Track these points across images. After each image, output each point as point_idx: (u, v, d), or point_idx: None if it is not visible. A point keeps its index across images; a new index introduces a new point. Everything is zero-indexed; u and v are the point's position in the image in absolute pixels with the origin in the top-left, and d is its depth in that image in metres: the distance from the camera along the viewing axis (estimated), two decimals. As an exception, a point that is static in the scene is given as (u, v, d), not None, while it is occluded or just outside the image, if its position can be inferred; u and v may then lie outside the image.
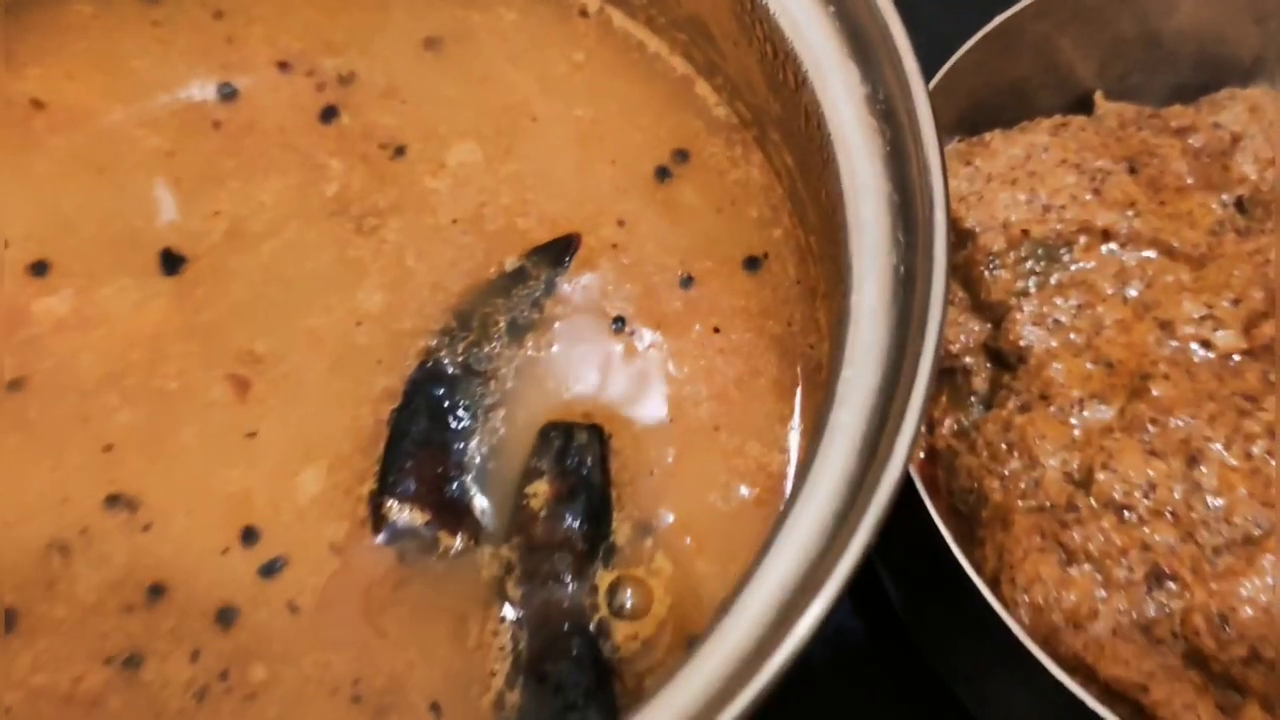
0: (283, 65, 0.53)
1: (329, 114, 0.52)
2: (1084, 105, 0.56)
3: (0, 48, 0.52)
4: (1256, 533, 0.40)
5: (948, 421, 0.48)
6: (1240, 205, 0.50)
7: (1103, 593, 0.41)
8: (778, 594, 0.34)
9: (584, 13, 0.55)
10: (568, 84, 0.54)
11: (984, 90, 0.53)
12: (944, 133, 0.50)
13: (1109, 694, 0.39)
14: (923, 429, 0.48)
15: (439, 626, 0.43)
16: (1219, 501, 0.41)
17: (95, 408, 0.45)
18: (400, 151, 0.51)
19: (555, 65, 0.54)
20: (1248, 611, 0.39)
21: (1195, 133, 0.51)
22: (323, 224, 0.49)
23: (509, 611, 0.43)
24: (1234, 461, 0.42)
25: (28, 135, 0.50)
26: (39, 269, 0.47)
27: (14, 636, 0.41)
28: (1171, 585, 0.41)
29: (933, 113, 0.42)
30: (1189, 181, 0.49)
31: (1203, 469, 0.42)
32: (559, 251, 0.50)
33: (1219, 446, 0.42)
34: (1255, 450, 0.41)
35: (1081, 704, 0.37)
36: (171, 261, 0.48)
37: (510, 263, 0.49)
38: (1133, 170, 0.49)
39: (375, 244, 0.49)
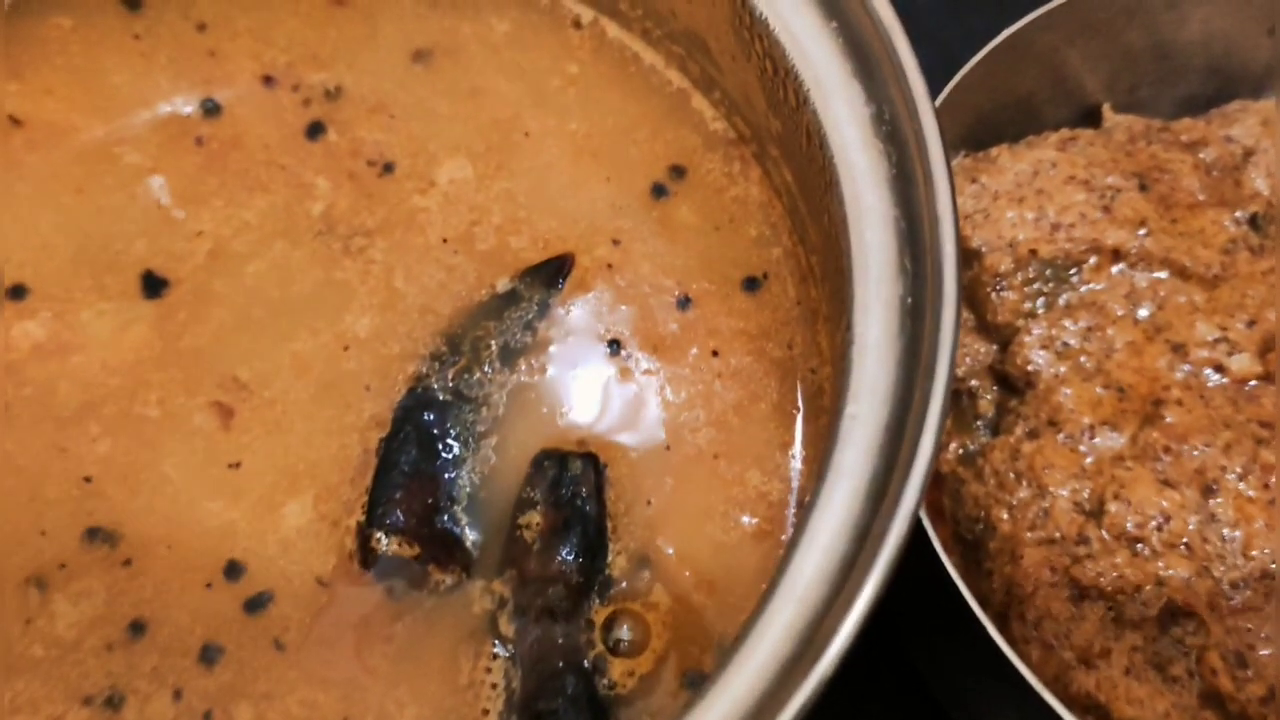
0: (268, 79, 0.52)
1: (315, 130, 0.51)
2: (1092, 118, 0.56)
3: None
4: (1274, 566, 0.39)
5: (953, 446, 0.47)
6: (1254, 222, 0.49)
7: (1115, 630, 0.40)
8: (783, 644, 0.33)
9: (578, 24, 0.54)
10: (561, 98, 0.53)
11: (990, 105, 0.52)
12: (949, 149, 0.50)
13: None
14: None
15: (430, 664, 0.42)
16: (1236, 534, 0.41)
17: (74, 437, 0.44)
18: (389, 168, 0.50)
19: (548, 78, 0.53)
20: (1266, 650, 0.38)
21: (1206, 147, 0.51)
22: (309, 244, 0.49)
23: (501, 648, 0.42)
24: (1251, 492, 0.41)
25: (5, 154, 0.49)
26: (16, 293, 0.46)
27: None
28: (1186, 623, 0.40)
29: (941, 134, 0.40)
30: (1201, 198, 0.49)
31: (1218, 500, 0.41)
32: (552, 272, 0.49)
33: (1235, 476, 0.41)
34: (1273, 481, 0.40)
35: None
36: (153, 284, 0.47)
37: (502, 284, 0.49)
38: (1143, 187, 0.48)
39: (363, 265, 0.48)
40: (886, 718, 0.50)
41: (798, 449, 0.45)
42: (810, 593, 0.33)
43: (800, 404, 0.46)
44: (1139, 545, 0.41)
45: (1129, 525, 0.41)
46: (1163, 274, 0.47)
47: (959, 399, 0.48)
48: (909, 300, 0.39)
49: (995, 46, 0.50)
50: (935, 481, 0.46)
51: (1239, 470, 0.41)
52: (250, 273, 0.48)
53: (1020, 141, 0.52)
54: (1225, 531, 0.40)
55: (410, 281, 0.48)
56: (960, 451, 0.47)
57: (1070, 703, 0.37)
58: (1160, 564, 0.40)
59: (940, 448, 0.33)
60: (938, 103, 0.45)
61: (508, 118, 0.52)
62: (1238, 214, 0.48)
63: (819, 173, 0.44)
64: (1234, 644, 0.39)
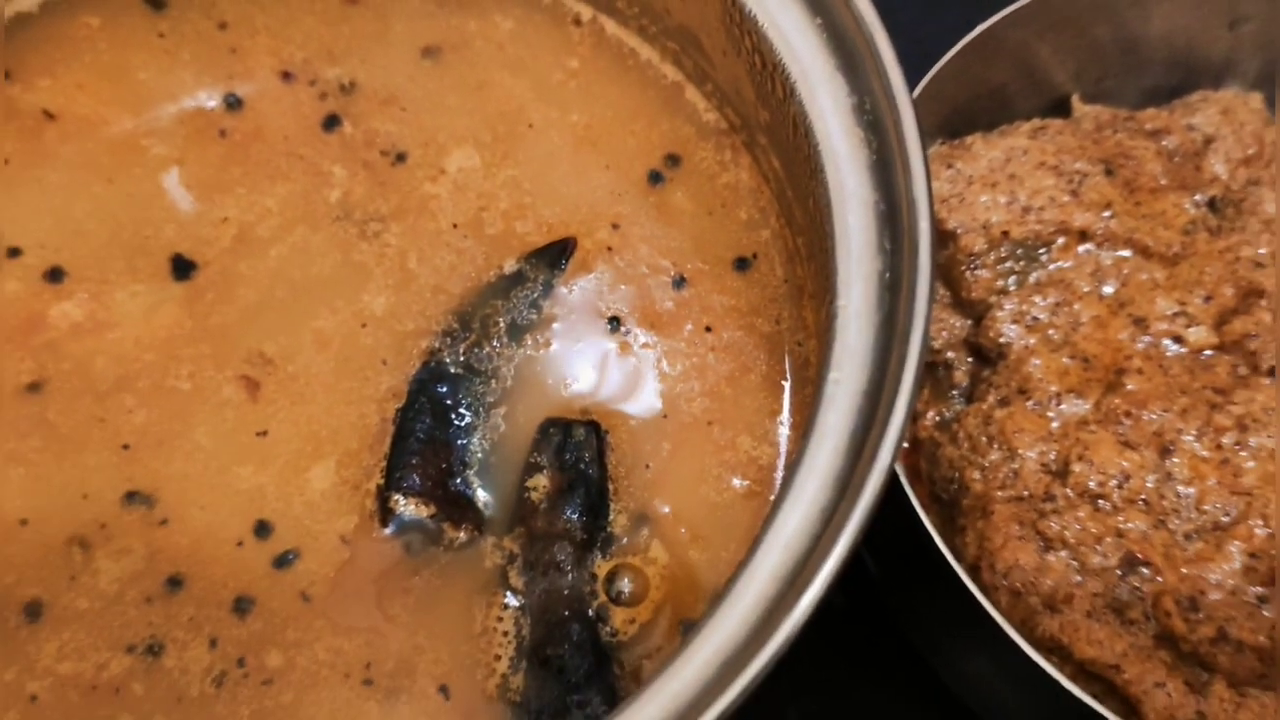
0: (286, 75, 0.54)
1: (331, 122, 0.53)
2: (1061, 108, 0.57)
3: None
4: (1225, 519, 0.42)
5: (930, 413, 0.49)
6: (1212, 205, 0.51)
7: (1078, 578, 0.43)
8: (768, 587, 0.35)
9: (578, 21, 0.55)
10: (563, 90, 0.54)
11: (965, 95, 0.54)
12: (926, 137, 0.52)
13: (1083, 673, 0.40)
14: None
15: (446, 614, 0.44)
16: (1190, 490, 0.43)
17: (111, 409, 0.46)
18: (401, 158, 0.52)
19: (550, 72, 0.55)
20: (1216, 594, 0.41)
21: (1169, 134, 0.52)
22: (327, 229, 0.50)
23: (512, 599, 0.44)
24: (1205, 453, 0.43)
25: (40, 146, 0.51)
26: (54, 275, 0.48)
27: (39, 627, 0.42)
28: (1144, 570, 0.43)
29: (918, 122, 0.41)
30: (1163, 182, 0.51)
31: (1174, 460, 0.44)
32: (556, 254, 0.51)
33: (1190, 438, 0.44)
34: (1225, 441, 0.43)
35: (1057, 683, 0.38)
36: (182, 267, 0.49)
37: (509, 265, 0.50)
38: (1109, 172, 0.50)
39: (378, 248, 0.50)
40: (867, 664, 0.53)
41: (785, 416, 0.47)
42: (795, 540, 0.36)
43: (788, 374, 0.48)
44: (1101, 501, 0.43)
45: (1092, 483, 0.43)
46: (1126, 253, 0.49)
47: (936, 370, 0.50)
48: (887, 276, 0.41)
49: (970, 41, 0.52)
50: (914, 446, 0.49)
51: (1194, 433, 0.44)
52: (273, 256, 0.50)
53: (994, 130, 0.54)
54: (1180, 489, 0.43)
55: (423, 263, 0.50)
56: (937, 419, 0.49)
57: (1036, 644, 0.40)
58: (1120, 518, 0.43)
59: (914, 408, 0.36)
60: (915, 94, 0.47)
61: (513, 110, 0.53)
62: (1197, 197, 0.50)
63: (804, 160, 0.45)
64: (1187, 590, 0.41)
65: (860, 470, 0.35)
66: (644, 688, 0.34)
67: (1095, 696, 0.38)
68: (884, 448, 0.35)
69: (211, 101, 0.53)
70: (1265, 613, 0.40)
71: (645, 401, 0.48)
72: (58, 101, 0.51)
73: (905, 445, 0.49)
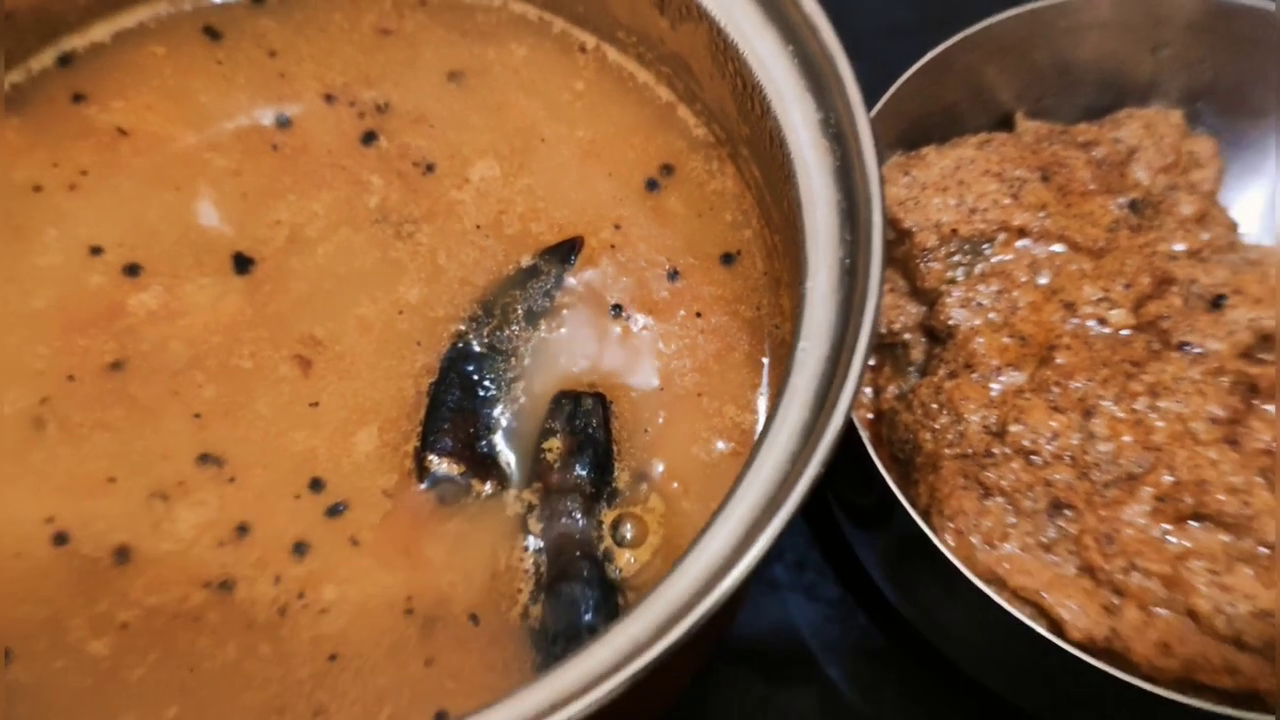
0: (329, 97, 0.57)
1: (369, 138, 0.56)
2: (1006, 124, 0.61)
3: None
4: (1137, 470, 0.47)
5: (890, 388, 0.54)
6: (1134, 206, 0.55)
7: (1013, 520, 0.48)
8: (747, 514, 0.40)
9: (583, 49, 0.59)
10: (571, 110, 0.58)
11: (920, 112, 0.58)
12: (887, 148, 0.57)
13: (1016, 599, 0.45)
14: (870, 394, 0.55)
15: (474, 555, 0.48)
16: (1108, 447, 0.48)
17: (184, 384, 0.50)
18: (430, 169, 0.56)
19: (560, 94, 0.58)
20: (1128, 532, 0.46)
21: (1098, 146, 0.57)
22: (367, 230, 0.54)
23: (531, 542, 0.48)
24: (1121, 415, 0.48)
25: (115, 159, 0.55)
26: (132, 270, 0.52)
27: (129, 566, 0.46)
28: (1068, 513, 0.48)
29: (874, 134, 0.46)
30: (1091, 187, 0.55)
31: (1096, 421, 0.49)
32: (566, 251, 0.54)
33: (1109, 403, 0.49)
34: (1138, 406, 0.48)
35: (996, 605, 0.43)
36: (242, 262, 0.53)
37: (525, 261, 0.54)
38: (1045, 178, 0.55)
39: (412, 246, 0.54)
40: (838, 603, 0.57)
41: (764, 388, 0.51)
42: (769, 475, 0.40)
43: (767, 353, 0.52)
44: (1033, 457, 0.48)
45: (1025, 442, 0.48)
46: (1059, 248, 0.53)
47: (895, 350, 0.55)
48: (847, 262, 0.44)
49: (924, 64, 0.56)
50: (878, 417, 0.54)
51: (1112, 399, 0.49)
52: (321, 253, 0.53)
53: (946, 142, 0.58)
54: (1100, 445, 0.48)
55: (451, 259, 0.53)
56: (896, 392, 0.54)
57: (977, 576, 0.45)
58: (1049, 471, 0.48)
59: (866, 369, 0.41)
60: (874, 111, 0.52)
61: (527, 126, 0.57)
62: (1121, 200, 0.55)
63: (780, 168, 0.49)
64: (1104, 529, 0.46)
65: (822, 419, 0.40)
66: (641, 598, 0.38)
67: (1028, 617, 0.43)
68: (842, 400, 0.40)
69: (264, 120, 0.57)
70: (1169, 546, 0.45)
71: (644, 376, 0.52)
72: (130, 120, 0.55)
73: (870, 416, 0.54)
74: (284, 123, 0.56)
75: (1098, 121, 0.60)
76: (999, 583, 0.45)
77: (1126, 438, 0.48)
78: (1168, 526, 0.46)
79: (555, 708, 0.36)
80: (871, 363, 0.55)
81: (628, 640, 0.37)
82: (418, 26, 0.59)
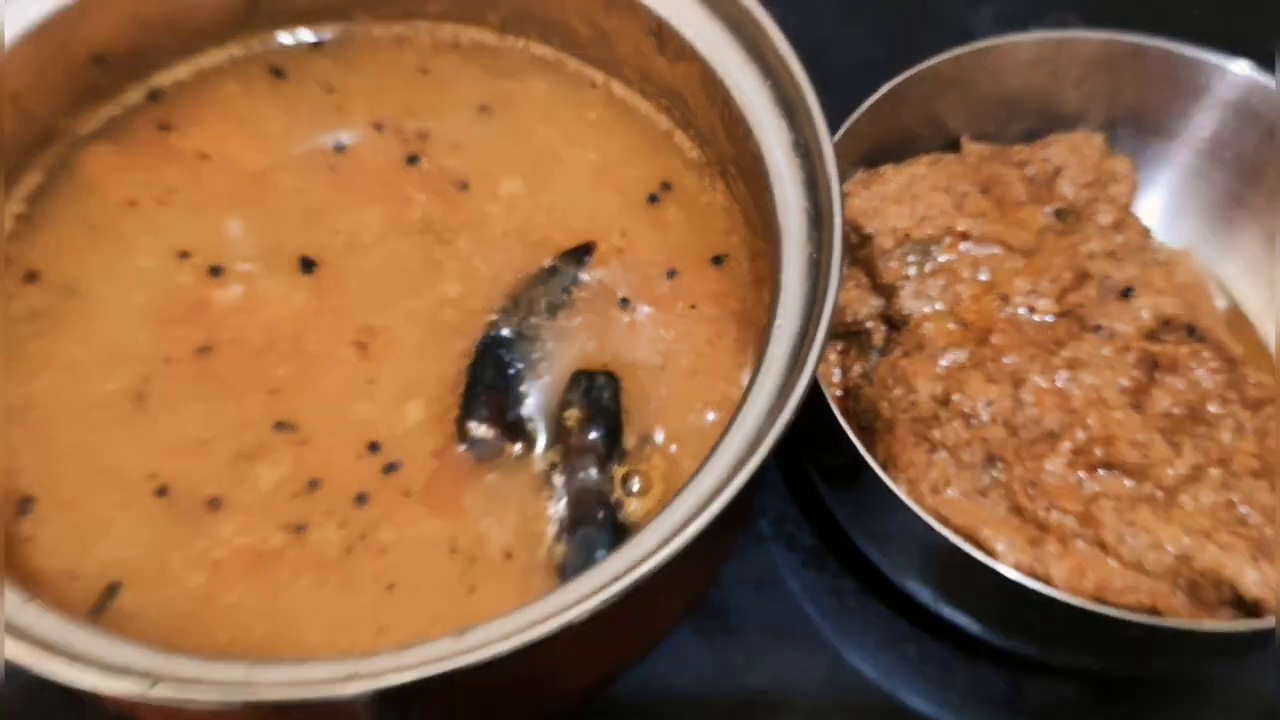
0: (377, 126, 0.61)
1: (412, 160, 0.60)
2: (954, 146, 0.65)
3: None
4: (1056, 429, 0.52)
5: (856, 368, 0.58)
6: (1059, 214, 0.60)
7: (954, 470, 0.52)
8: (732, 457, 0.44)
9: (593, 85, 0.63)
10: (583, 136, 0.61)
11: (880, 136, 0.61)
12: (851, 166, 0.62)
13: (959, 534, 0.49)
14: (839, 374, 0.59)
15: (508, 503, 0.51)
16: (1034, 410, 0.53)
17: (262, 365, 0.53)
18: (465, 186, 0.59)
19: (574, 122, 0.62)
20: (1049, 479, 0.51)
21: (1030, 164, 0.61)
22: (413, 237, 0.57)
23: (555, 493, 0.51)
24: (1045, 385, 0.53)
25: (198, 178, 0.59)
26: (215, 271, 0.56)
27: (219, 513, 0.50)
28: (1000, 464, 0.52)
29: (836, 153, 0.50)
30: (1024, 199, 0.59)
31: (1024, 390, 0.53)
32: (581, 254, 0.57)
33: (1035, 375, 0.53)
34: (1059, 377, 0.53)
35: (944, 539, 0.48)
36: (307, 264, 0.56)
37: (546, 262, 0.57)
38: (984, 191, 0.59)
39: (451, 251, 0.57)
40: (814, 550, 0.61)
41: (748, 368, 0.54)
42: (750, 427, 0.45)
43: (750, 338, 0.54)
44: (972, 419, 0.53)
45: (965, 408, 0.52)
46: (995, 249, 0.58)
47: (860, 336, 0.59)
48: (814, 257, 0.49)
49: (881, 95, 0.59)
50: (846, 393, 0.58)
51: (1038, 372, 0.53)
52: (374, 257, 0.57)
53: (901, 162, 0.62)
54: (1027, 410, 0.52)
55: (484, 261, 0.57)
56: (860, 371, 0.58)
57: (927, 516, 0.48)
58: (984, 430, 0.52)
59: (828, 343, 0.46)
60: (839, 135, 0.56)
61: (546, 150, 0.60)
62: (1048, 209, 0.60)
63: (760, 182, 0.53)
64: (1029, 476, 0.51)
65: (792, 378, 0.45)
66: (646, 523, 0.43)
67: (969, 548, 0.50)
68: (808, 363, 0.44)
69: (323, 145, 0.60)
70: (1082, 490, 0.50)
71: (647, 357, 0.55)
72: (209, 146, 0.59)
73: (839, 393, 0.58)
74: (340, 148, 0.60)
75: (1031, 144, 0.63)
76: (945, 521, 0.49)
77: (1048, 403, 0.52)
78: (1082, 474, 0.51)
79: (569, 606, 0.40)
80: (840, 348, 0.59)
81: (632, 556, 0.41)
82: (452, 66, 0.63)
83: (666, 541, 0.41)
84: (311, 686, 0.38)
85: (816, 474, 0.58)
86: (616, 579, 0.40)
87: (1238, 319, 0.62)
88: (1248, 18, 0.77)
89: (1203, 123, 0.61)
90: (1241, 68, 0.58)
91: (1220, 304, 0.62)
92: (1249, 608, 0.49)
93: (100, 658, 0.40)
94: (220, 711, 0.41)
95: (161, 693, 0.38)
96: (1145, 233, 0.61)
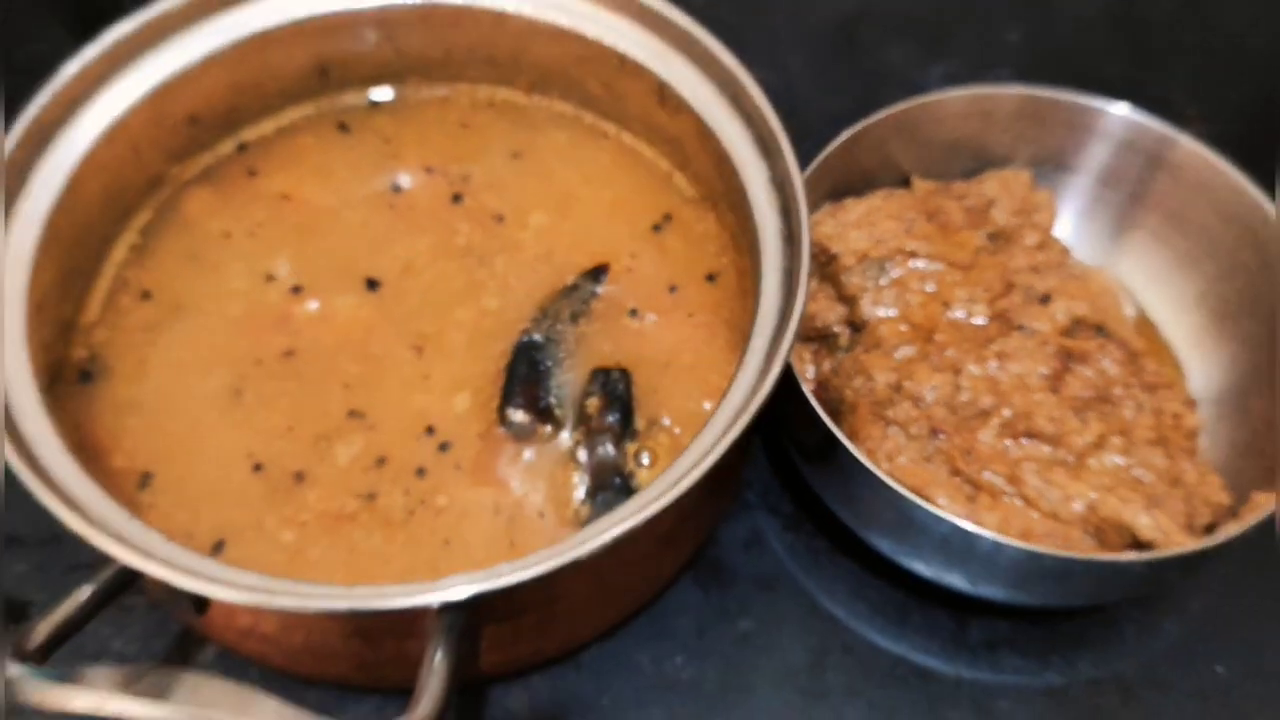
0: (428, 170, 0.66)
1: (457, 198, 0.64)
2: (905, 183, 0.68)
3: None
4: (988, 407, 0.57)
5: (825, 363, 0.62)
6: (992, 237, 0.65)
7: (904, 441, 0.57)
8: (719, 428, 0.48)
9: (606, 135, 0.68)
10: (598, 176, 0.66)
11: (843, 174, 0.65)
12: (820, 199, 0.68)
13: (910, 491, 0.52)
14: (812, 371, 0.65)
15: (540, 474, 0.56)
16: (969, 393, 0.58)
17: (336, 365, 0.58)
18: (500, 219, 0.63)
19: (590, 165, 0.66)
20: (981, 448, 0.56)
21: (968, 197, 0.65)
22: (458, 261, 0.62)
23: (579, 465, 0.56)
24: (978, 373, 0.58)
25: (280, 215, 0.64)
26: (296, 290, 0.60)
27: (304, 485, 0.54)
28: (941, 436, 0.57)
29: (805, 188, 0.54)
30: (962, 225, 0.64)
31: (961, 377, 0.58)
32: (597, 273, 0.62)
33: (971, 365, 0.58)
34: (990, 366, 0.58)
35: (899, 495, 0.52)
36: (372, 284, 0.61)
37: (569, 280, 0.61)
38: (930, 219, 0.63)
39: (490, 271, 0.62)
40: (793, 516, 0.65)
41: (738, 364, 0.55)
42: (737, 402, 0.49)
43: (739, 342, 0.56)
44: (919, 401, 0.57)
45: (914, 392, 0.57)
46: (939, 266, 0.62)
47: (828, 338, 0.63)
48: (788, 269, 0.53)
49: (844, 140, 0.63)
50: (818, 385, 0.62)
51: (973, 362, 0.57)
52: (427, 277, 0.61)
53: (862, 195, 0.65)
54: (964, 393, 0.57)
55: (518, 280, 0.62)
56: (830, 366, 0.62)
57: (885, 478, 0.51)
58: (930, 410, 0.57)
59: (796, 339, 0.50)
60: (807, 173, 0.58)
61: (568, 189, 0.65)
62: (982, 233, 0.64)
63: (744, 212, 0.57)
64: (965, 445, 0.55)
65: (769, 363, 0.50)
66: (649, 484, 0.47)
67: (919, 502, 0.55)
68: (779, 356, 0.49)
69: (383, 187, 0.65)
70: (1009, 455, 0.55)
71: (655, 356, 0.59)
72: (289, 188, 0.64)
73: (813, 386, 0.63)
74: (397, 189, 0.65)
75: (968, 180, 0.67)
76: (899, 482, 0.53)
77: (981, 387, 0.57)
78: (1008, 443, 0.55)
79: (588, 540, 0.45)
80: (813, 348, 0.64)
81: (638, 504, 0.46)
82: (489, 121, 0.68)
83: (664, 493, 0.46)
84: (396, 598, 0.46)
85: (795, 452, 0.62)
86: (625, 520, 0.45)
87: (1144, 323, 0.67)
88: (1149, 71, 0.85)
89: (1099, 156, 0.66)
90: (1121, 109, 0.64)
91: (1130, 311, 0.68)
92: (1144, 548, 0.56)
93: (228, 579, 0.47)
94: (314, 623, 0.47)
95: (282, 601, 0.45)
96: (1065, 251, 0.67)
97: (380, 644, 0.51)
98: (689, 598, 0.62)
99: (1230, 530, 0.52)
